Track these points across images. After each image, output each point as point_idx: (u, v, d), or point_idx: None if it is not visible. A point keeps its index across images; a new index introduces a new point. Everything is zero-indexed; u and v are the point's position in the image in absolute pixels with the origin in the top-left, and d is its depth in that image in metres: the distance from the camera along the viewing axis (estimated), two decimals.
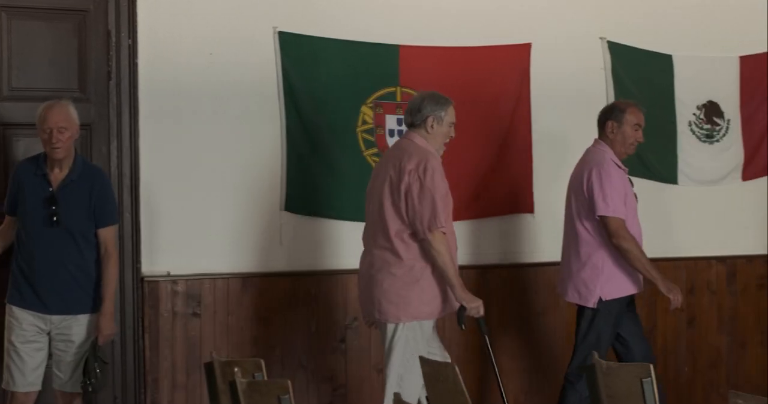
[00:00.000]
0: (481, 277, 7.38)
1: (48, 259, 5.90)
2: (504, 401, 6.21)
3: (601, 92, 7.71)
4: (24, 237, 5.94)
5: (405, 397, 5.29)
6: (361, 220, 6.30)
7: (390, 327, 5.99)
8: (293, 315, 6.99)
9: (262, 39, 6.93)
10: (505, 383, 6.75)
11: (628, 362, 6.21)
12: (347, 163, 7.07)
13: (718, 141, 8.05)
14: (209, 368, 5.24)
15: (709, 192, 8.03)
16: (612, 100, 7.65)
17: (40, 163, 5.96)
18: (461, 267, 6.95)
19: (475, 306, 6.00)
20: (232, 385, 4.65)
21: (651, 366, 4.82)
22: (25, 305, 5.91)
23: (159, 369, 6.69)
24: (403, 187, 5.93)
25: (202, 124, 6.83)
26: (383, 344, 6.06)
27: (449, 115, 6.14)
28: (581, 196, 6.47)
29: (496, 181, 7.45)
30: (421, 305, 5.97)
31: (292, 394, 4.46)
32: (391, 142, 7.16)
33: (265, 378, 4.96)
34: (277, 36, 6.97)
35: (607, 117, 6.62)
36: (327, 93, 7.01)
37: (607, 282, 6.41)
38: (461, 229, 7.31)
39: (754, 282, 8.09)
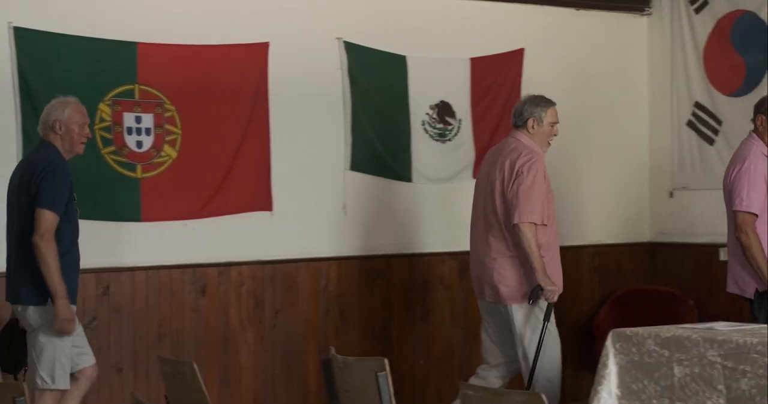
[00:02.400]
0: (221, 275, 7.40)
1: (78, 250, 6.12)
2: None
3: (337, 92, 7.82)
4: (71, 234, 6.02)
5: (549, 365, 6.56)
6: (104, 218, 6.62)
7: (514, 308, 6.63)
8: None
9: None
10: (244, 382, 6.81)
11: None
12: (85, 161, 6.96)
13: (450, 140, 8.26)
14: None
15: (442, 189, 8.24)
16: (348, 100, 7.78)
17: (64, 159, 6.06)
18: (198, 266, 7.01)
19: (552, 290, 6.50)
20: None
21: (385, 360, 4.94)
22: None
23: None
24: (512, 182, 6.55)
25: None
26: (509, 325, 6.68)
27: (549, 116, 6.72)
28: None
29: (234, 180, 7.47)
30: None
31: None
32: (129, 139, 7.12)
33: None
34: (12, 31, 6.81)
35: (758, 110, 6.79)
36: (64, 90, 6.83)
37: None
38: (200, 228, 7.34)
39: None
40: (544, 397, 4.16)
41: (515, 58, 8.54)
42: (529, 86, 8.52)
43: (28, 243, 5.87)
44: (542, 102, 6.76)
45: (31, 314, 5.95)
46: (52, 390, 5.97)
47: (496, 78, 8.46)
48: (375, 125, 7.96)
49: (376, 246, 7.96)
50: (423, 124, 8.17)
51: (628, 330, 5.79)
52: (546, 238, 6.60)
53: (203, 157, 7.32)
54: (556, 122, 6.80)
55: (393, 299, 8.01)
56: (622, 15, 9.05)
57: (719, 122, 8.65)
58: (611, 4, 8.93)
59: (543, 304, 6.58)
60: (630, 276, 8.95)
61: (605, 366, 5.75)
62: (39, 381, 5.96)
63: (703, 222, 8.73)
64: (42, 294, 5.89)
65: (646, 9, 9.10)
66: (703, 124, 8.76)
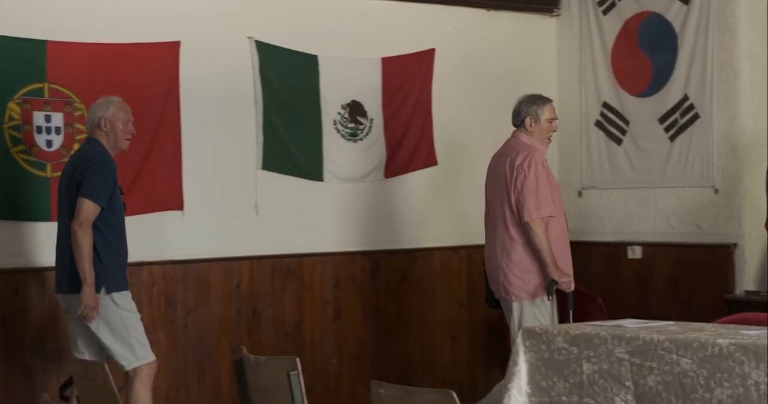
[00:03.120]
0: (132, 275, 7.35)
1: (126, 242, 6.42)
2: None
3: (249, 91, 7.82)
4: (117, 226, 6.30)
5: None
6: (14, 218, 6.73)
7: (515, 305, 6.80)
8: None
9: None
10: (156, 382, 6.78)
11: None
12: None
13: (361, 139, 8.29)
14: None
15: (353, 189, 8.27)
16: (260, 99, 7.78)
17: (110, 154, 6.34)
18: None
19: (566, 281, 6.72)
20: None
21: (297, 359, 4.95)
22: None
23: None
24: (514, 180, 6.74)
25: None
26: (509, 321, 6.87)
27: (545, 113, 6.90)
28: None
29: (145, 179, 7.43)
30: (540, 285, 6.76)
31: None
32: (39, 138, 7.06)
33: None
34: None
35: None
36: None
37: None
38: None
39: (396, 276, 8.40)
40: (454, 394, 4.19)
41: (426, 58, 8.59)
42: (440, 86, 8.59)
43: None
44: (538, 100, 6.96)
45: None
46: (141, 366, 6.27)
47: (407, 78, 8.51)
48: (287, 124, 7.97)
49: (288, 246, 7.97)
50: (335, 124, 8.19)
51: (538, 328, 5.85)
52: (554, 230, 6.79)
53: (113, 157, 7.27)
54: (554, 118, 6.98)
55: (305, 298, 8.02)
56: (531, 16, 9.15)
57: (627, 122, 8.77)
58: (521, 5, 9.02)
59: (548, 304, 6.80)
60: None
61: (515, 363, 5.81)
62: (125, 363, 6.26)
63: (612, 221, 8.86)
64: (97, 283, 6.16)
65: (555, 10, 9.21)
66: (611, 124, 8.88)
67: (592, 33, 9.01)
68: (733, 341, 5.10)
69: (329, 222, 8.16)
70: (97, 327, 6.22)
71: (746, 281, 8.04)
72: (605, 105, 8.92)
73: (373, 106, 8.35)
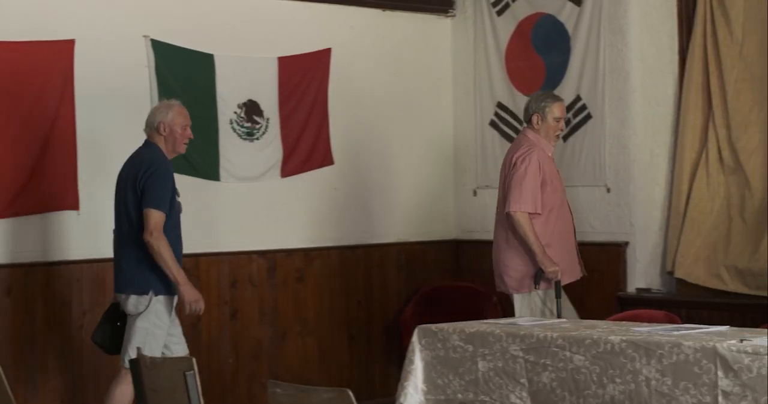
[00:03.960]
0: (23, 276, 7.29)
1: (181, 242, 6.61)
2: None
3: (145, 90, 7.77)
4: (173, 228, 6.45)
5: None
6: None
7: (515, 297, 7.01)
8: None
9: None
10: (51, 384, 6.72)
11: None
12: None
13: (258, 139, 8.28)
14: None
15: (250, 188, 8.25)
16: (156, 98, 7.73)
17: (167, 158, 6.52)
18: (2, 266, 6.88)
19: (553, 271, 6.85)
20: None
21: (193, 359, 4.95)
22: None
23: None
24: (508, 174, 7.01)
25: None
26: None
27: (553, 112, 7.05)
28: None
29: (39, 179, 7.34)
30: (531, 276, 6.92)
31: None
32: None
33: None
34: None
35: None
36: None
37: None
38: (5, 228, 7.20)
39: (293, 275, 8.40)
40: (350, 393, 4.22)
41: (322, 57, 8.61)
42: (337, 86, 8.61)
43: (132, 238, 6.40)
44: (547, 98, 7.14)
45: (132, 302, 6.42)
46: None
47: (304, 77, 8.52)
48: None
49: (184, 245, 7.91)
50: (231, 123, 8.17)
51: (433, 327, 5.91)
52: (547, 227, 6.96)
53: (7, 155, 7.19)
54: (561, 117, 7.12)
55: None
56: (427, 16, 9.21)
57: (521, 122, 8.85)
58: (416, 5, 9.08)
59: (541, 294, 6.97)
60: (436, 273, 9.11)
61: (411, 361, 5.86)
62: (125, 357, 6.36)
63: None
64: (142, 285, 6.40)
65: (450, 11, 9.28)
66: (505, 123, 8.97)
67: (487, 33, 9.09)
68: (624, 338, 5.20)
69: (226, 222, 8.14)
70: (132, 320, 6.47)
71: (637, 279, 8.18)
72: (499, 105, 9.02)
73: (270, 106, 8.35)
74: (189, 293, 6.41)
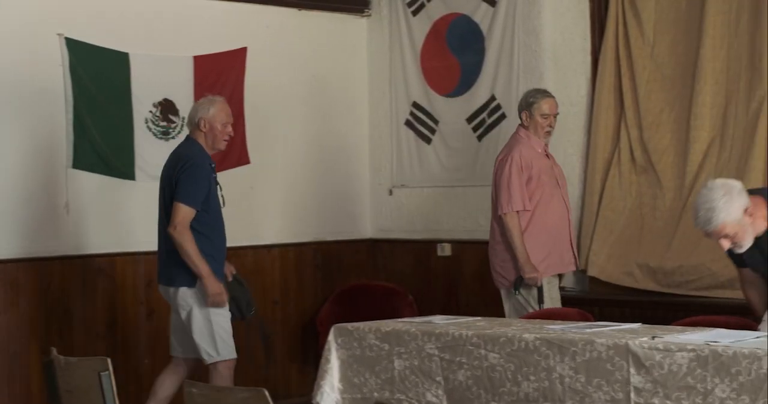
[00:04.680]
0: None
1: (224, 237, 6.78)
2: None
3: (59, 89, 7.70)
4: (213, 223, 6.65)
5: None
6: None
7: (503, 292, 7.19)
8: None
9: None
10: None
11: None
12: None
13: (173, 138, 8.21)
14: None
15: None
16: (71, 97, 7.68)
17: (206, 155, 6.70)
18: None
19: (531, 277, 6.99)
20: None
21: (108, 359, 4.93)
22: None
23: None
24: (495, 174, 7.22)
25: None
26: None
27: (539, 108, 7.16)
28: None
29: None
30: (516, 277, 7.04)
31: None
32: None
33: None
34: None
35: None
36: None
37: None
38: None
39: None
40: (266, 392, 4.24)
41: (238, 56, 8.59)
42: (253, 85, 8.60)
43: None
44: (536, 95, 7.27)
45: (182, 295, 6.62)
46: (221, 361, 6.59)
47: (219, 76, 8.49)
48: (97, 123, 7.88)
49: (100, 245, 7.88)
50: (146, 122, 8.13)
51: (349, 325, 5.94)
52: (534, 221, 7.10)
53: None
54: (548, 114, 7.20)
55: (117, 298, 7.95)
56: (342, 16, 9.23)
57: (436, 122, 8.93)
58: (332, 5, 9.10)
59: (525, 293, 7.09)
60: (352, 272, 9.14)
61: (328, 360, 5.89)
62: (206, 357, 6.61)
63: (422, 218, 9.00)
64: (179, 277, 6.59)
65: (366, 10, 9.31)
66: (421, 123, 9.02)
67: (402, 33, 9.13)
68: (538, 336, 5.26)
69: (141, 221, 8.07)
70: (187, 319, 6.64)
71: None
72: (415, 104, 9.06)
73: (186, 105, 8.27)
74: (212, 286, 6.52)
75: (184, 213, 6.54)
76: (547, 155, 7.37)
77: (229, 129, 6.78)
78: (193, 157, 6.64)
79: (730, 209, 5.24)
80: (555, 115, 7.30)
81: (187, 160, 6.62)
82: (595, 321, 6.20)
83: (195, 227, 6.59)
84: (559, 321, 5.91)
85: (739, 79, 7.71)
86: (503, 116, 8.50)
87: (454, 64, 8.81)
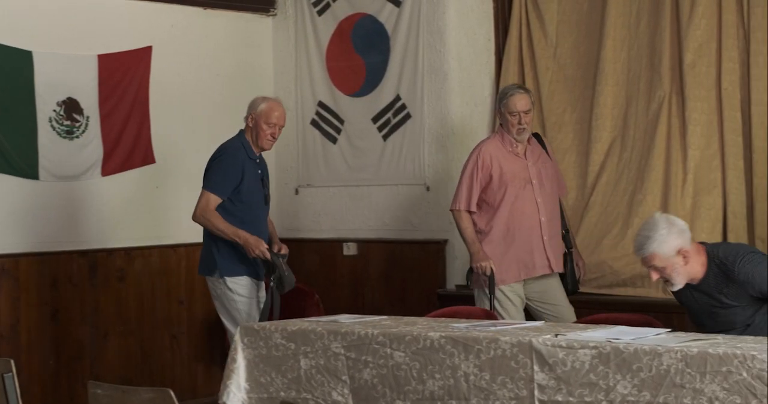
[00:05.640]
0: None
1: (265, 234, 6.93)
2: None
3: None
4: (241, 215, 6.79)
5: None
6: None
7: (475, 292, 7.10)
8: None
9: None
10: None
11: None
12: None
13: (78, 137, 8.17)
14: None
15: (70, 187, 8.14)
16: None
17: (248, 148, 6.88)
18: None
19: (479, 265, 6.91)
20: None
21: (11, 361, 4.89)
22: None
23: None
24: None
25: None
26: None
27: (506, 105, 7.00)
28: None
29: None
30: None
31: None
32: None
33: None
34: None
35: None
36: None
37: None
38: None
39: (114, 275, 8.33)
40: (171, 393, 4.24)
41: (143, 55, 8.55)
42: (158, 84, 8.56)
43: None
44: (505, 91, 7.12)
45: (208, 283, 7.00)
46: None
47: (124, 75, 8.44)
48: (0, 122, 7.80)
49: (3, 245, 7.80)
50: (50, 121, 8.06)
51: (255, 325, 5.95)
52: (494, 223, 7.00)
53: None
54: (513, 112, 6.99)
55: (21, 299, 7.87)
56: (248, 15, 9.22)
57: (342, 121, 8.95)
58: (238, 4, 9.09)
59: (478, 290, 7.04)
60: None
61: (234, 360, 5.89)
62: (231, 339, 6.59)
63: (328, 218, 9.01)
64: (209, 266, 6.89)
65: (272, 10, 9.31)
66: (327, 123, 9.04)
67: (308, 33, 9.15)
68: (443, 334, 5.31)
69: (46, 221, 8.03)
70: (217, 306, 6.96)
71: (456, 276, 8.32)
72: (321, 104, 9.08)
73: (90, 104, 8.26)
74: (248, 241, 6.71)
75: (206, 199, 6.79)
76: (525, 155, 7.10)
77: (275, 130, 6.91)
78: (227, 147, 6.90)
79: (664, 243, 5.38)
80: (526, 112, 7.00)
81: (220, 151, 6.91)
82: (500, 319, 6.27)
83: (222, 217, 6.80)
84: (465, 320, 5.97)
85: (639, 79, 7.84)
86: (408, 116, 8.55)
87: (360, 64, 8.84)
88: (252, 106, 6.98)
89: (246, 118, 7.00)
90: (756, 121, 7.34)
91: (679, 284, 5.47)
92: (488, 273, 6.93)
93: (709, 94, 7.51)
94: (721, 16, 7.48)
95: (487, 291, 6.91)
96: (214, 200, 6.81)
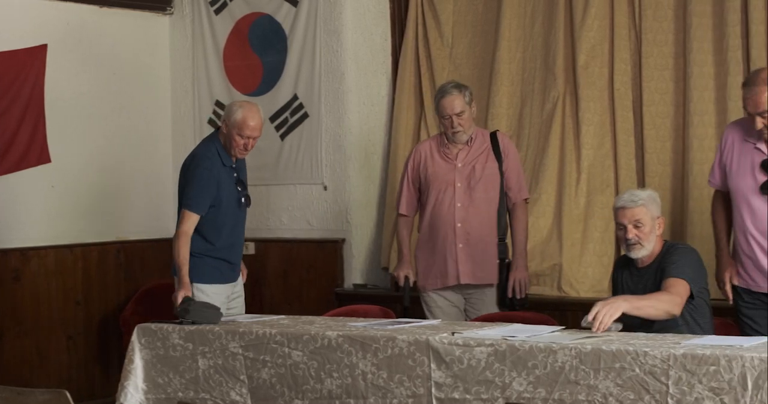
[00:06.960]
0: None
1: (240, 236, 6.75)
2: None
3: None
4: (216, 222, 6.50)
5: None
6: None
7: None
8: None
9: None
10: None
11: None
12: None
13: None
14: None
15: None
16: None
17: (224, 155, 6.51)
18: None
19: (395, 274, 6.88)
20: None
21: None
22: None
23: None
24: None
25: None
26: None
27: (438, 109, 6.78)
28: None
29: None
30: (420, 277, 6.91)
31: None
32: None
33: None
34: None
35: None
36: None
37: None
38: None
39: (9, 275, 8.22)
40: (67, 394, 4.22)
41: (37, 54, 8.45)
42: (54, 83, 8.48)
43: None
44: (437, 94, 6.84)
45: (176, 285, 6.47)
46: None
47: (18, 74, 8.34)
48: None
49: None
50: None
51: (153, 325, 5.93)
52: (421, 227, 6.88)
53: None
54: (444, 115, 6.72)
55: None
56: (144, 13, 9.17)
57: None
58: (134, 2, 9.03)
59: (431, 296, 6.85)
60: (156, 271, 9.08)
61: (131, 361, 5.87)
62: None
63: None
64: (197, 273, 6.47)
65: (168, 8, 9.27)
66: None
67: (205, 32, 9.12)
68: (341, 333, 5.34)
69: None
70: None
71: (354, 275, 8.36)
72: (218, 103, 9.06)
73: None
74: (177, 290, 6.25)
75: (185, 220, 6.45)
76: (457, 156, 6.81)
77: (248, 142, 6.48)
78: (201, 158, 6.50)
79: (653, 203, 5.63)
80: (458, 114, 6.67)
81: (195, 161, 6.52)
82: (397, 318, 6.31)
83: (197, 228, 6.50)
84: (362, 319, 6.01)
85: (533, 80, 7.95)
86: (306, 115, 8.57)
87: (257, 64, 8.84)
88: (227, 112, 6.53)
89: (222, 121, 6.60)
90: (648, 121, 7.49)
91: (645, 250, 5.60)
92: (401, 283, 6.84)
93: (602, 94, 7.64)
94: (613, 17, 7.62)
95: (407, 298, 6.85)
96: (194, 220, 6.45)
